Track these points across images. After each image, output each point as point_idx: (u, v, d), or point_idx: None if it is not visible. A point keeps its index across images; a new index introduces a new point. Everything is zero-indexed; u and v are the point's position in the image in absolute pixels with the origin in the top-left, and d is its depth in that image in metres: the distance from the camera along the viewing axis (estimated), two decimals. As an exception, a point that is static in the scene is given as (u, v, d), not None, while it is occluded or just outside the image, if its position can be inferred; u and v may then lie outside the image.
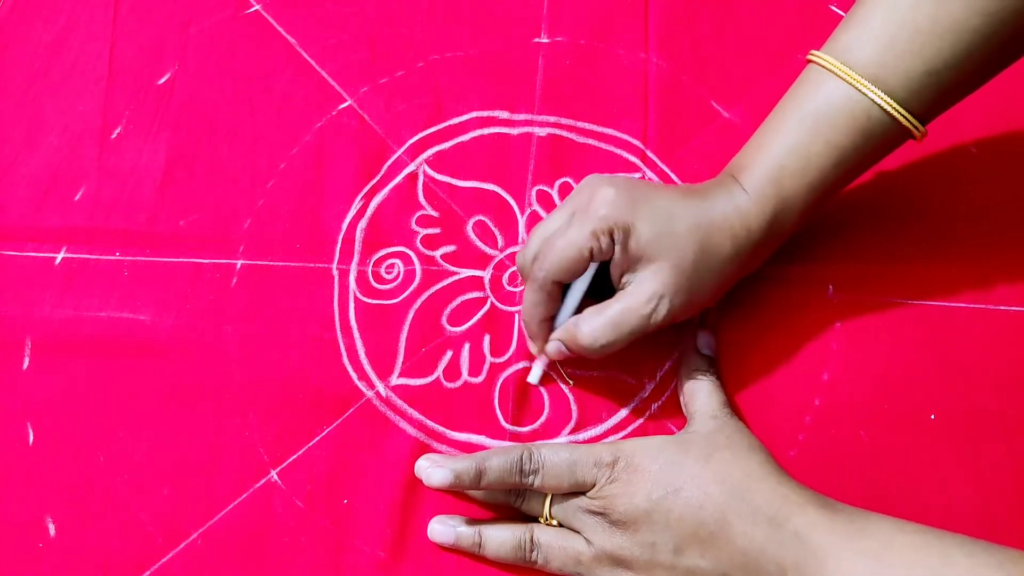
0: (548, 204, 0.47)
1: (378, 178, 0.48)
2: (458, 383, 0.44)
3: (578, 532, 0.38)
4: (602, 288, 0.41)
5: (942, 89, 0.38)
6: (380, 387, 0.44)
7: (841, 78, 0.38)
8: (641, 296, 0.39)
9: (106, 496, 0.42)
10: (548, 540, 0.38)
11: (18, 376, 0.44)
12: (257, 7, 0.53)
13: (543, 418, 0.43)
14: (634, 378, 0.43)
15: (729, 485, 0.36)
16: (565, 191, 0.48)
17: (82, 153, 0.49)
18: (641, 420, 0.43)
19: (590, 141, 0.49)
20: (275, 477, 0.42)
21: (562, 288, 0.41)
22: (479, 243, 0.47)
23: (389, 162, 0.49)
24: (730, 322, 0.44)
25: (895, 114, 0.38)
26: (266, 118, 0.50)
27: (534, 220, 0.47)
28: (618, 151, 0.49)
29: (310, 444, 0.42)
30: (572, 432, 0.42)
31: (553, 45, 0.52)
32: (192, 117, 0.50)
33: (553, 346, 0.41)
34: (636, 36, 0.51)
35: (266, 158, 0.49)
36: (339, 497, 0.41)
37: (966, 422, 0.42)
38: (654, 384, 0.43)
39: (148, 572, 0.40)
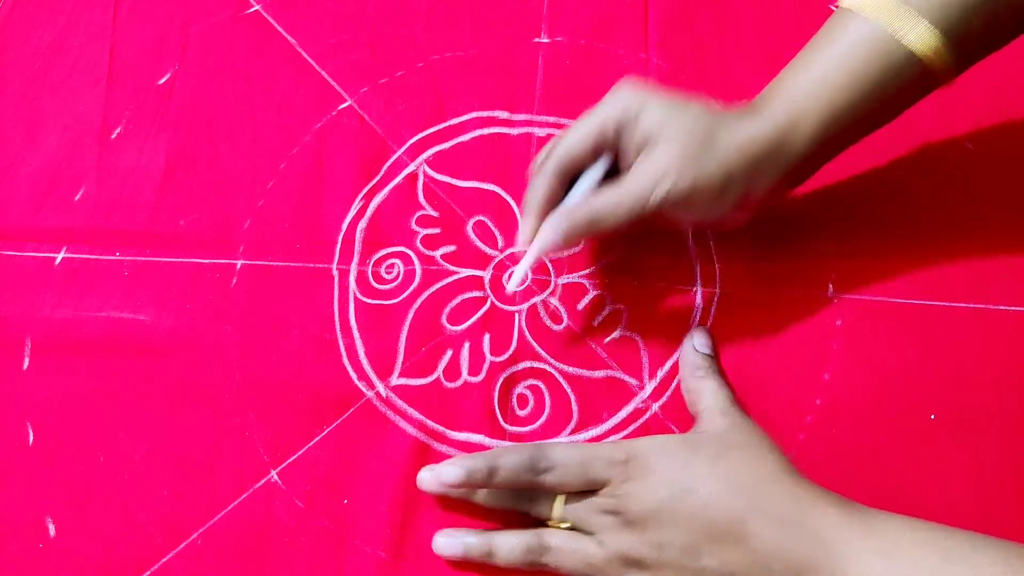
0: (548, 204, 0.47)
1: (378, 178, 0.48)
2: (458, 383, 0.44)
3: (590, 533, 0.38)
4: None
5: (972, 31, 0.37)
6: (380, 387, 0.44)
7: (865, 16, 0.38)
8: (642, 175, 0.38)
9: (106, 496, 0.42)
10: (559, 543, 0.38)
11: (18, 376, 0.44)
12: (257, 7, 0.54)
13: (543, 418, 0.43)
14: (634, 378, 0.43)
15: (743, 485, 0.35)
16: (565, 191, 0.48)
17: (82, 153, 0.49)
18: (642, 420, 0.43)
19: (590, 141, 0.49)
20: (275, 477, 0.42)
21: (567, 182, 0.41)
22: (479, 243, 0.47)
23: (389, 162, 0.49)
24: (730, 322, 0.44)
25: (917, 48, 0.37)
26: (266, 118, 0.50)
27: (534, 220, 0.47)
28: (618, 151, 0.49)
29: (310, 444, 0.42)
30: (572, 432, 0.42)
31: (553, 45, 0.52)
32: (192, 117, 0.50)
33: (547, 231, 0.40)
34: (636, 36, 0.51)
35: (266, 158, 0.49)
36: (339, 497, 0.41)
37: (966, 422, 0.42)
38: (655, 384, 0.43)
39: (148, 572, 0.40)
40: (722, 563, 0.35)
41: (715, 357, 0.43)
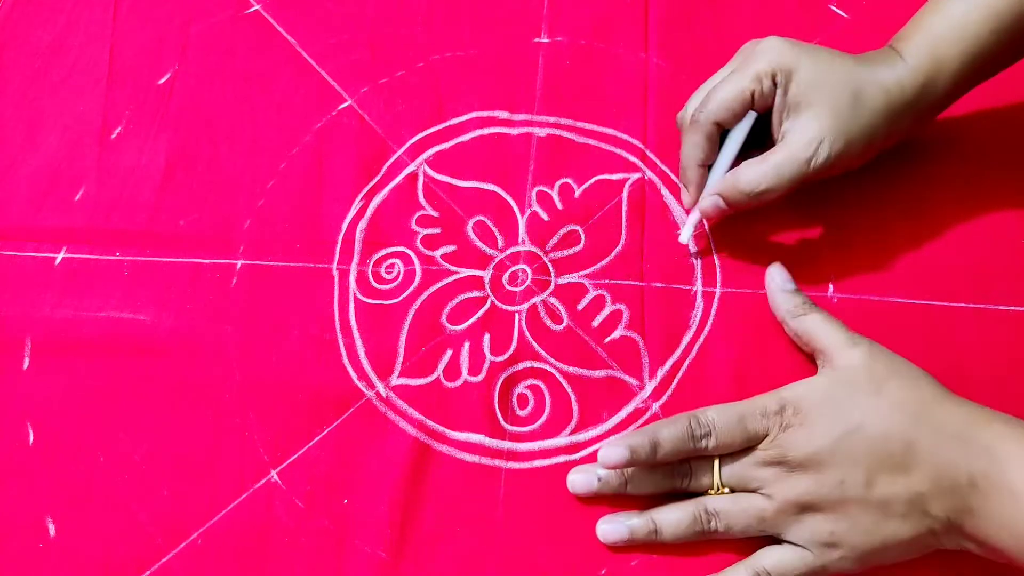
0: (548, 204, 0.47)
1: (378, 178, 0.48)
2: (458, 382, 0.43)
3: (752, 490, 0.38)
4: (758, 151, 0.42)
5: None
6: (380, 387, 0.44)
7: None
8: (801, 141, 0.40)
9: (106, 496, 0.42)
10: (724, 506, 0.38)
11: (18, 376, 0.44)
12: (257, 7, 0.53)
13: (543, 418, 0.43)
14: (634, 378, 0.43)
15: (909, 411, 0.36)
16: (565, 191, 0.48)
17: (82, 153, 0.49)
18: (642, 420, 0.42)
19: (590, 141, 0.49)
20: (275, 477, 0.42)
21: (720, 136, 0.43)
22: (479, 243, 0.47)
23: (389, 162, 0.49)
24: (730, 322, 0.44)
25: None
26: (266, 118, 0.50)
27: (534, 220, 0.47)
28: (618, 151, 0.49)
29: (310, 444, 0.42)
30: (573, 432, 0.42)
31: (553, 45, 0.52)
32: (192, 117, 0.50)
33: (710, 201, 0.42)
34: (636, 36, 0.51)
35: (266, 158, 0.49)
36: (339, 497, 0.41)
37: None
38: (655, 384, 0.43)
39: (148, 572, 0.40)
40: (905, 488, 0.35)
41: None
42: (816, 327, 0.41)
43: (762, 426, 0.37)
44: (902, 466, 0.35)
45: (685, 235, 0.44)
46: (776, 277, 0.43)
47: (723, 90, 0.42)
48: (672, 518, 0.38)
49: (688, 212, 0.44)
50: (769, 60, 0.41)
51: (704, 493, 0.39)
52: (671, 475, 0.39)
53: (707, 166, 0.43)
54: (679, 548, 0.39)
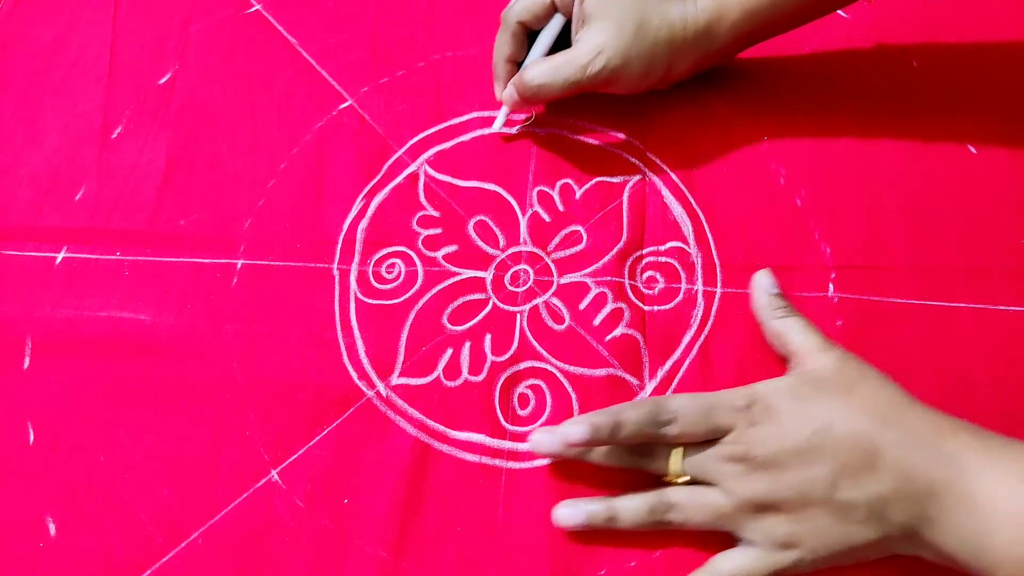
0: (549, 204, 0.47)
1: (379, 178, 0.48)
2: (458, 381, 0.44)
3: (712, 484, 0.38)
4: None
5: None
6: (380, 387, 0.44)
7: None
8: (582, 48, 0.44)
9: (106, 496, 0.41)
10: (683, 499, 0.38)
11: (18, 376, 0.44)
12: (257, 7, 0.54)
13: (543, 418, 0.43)
14: (635, 377, 0.43)
15: (878, 416, 0.36)
16: (566, 191, 0.48)
17: (82, 153, 0.49)
18: (642, 420, 0.43)
19: (591, 141, 0.49)
20: (275, 477, 0.42)
21: (528, 35, 0.47)
22: (480, 243, 0.47)
23: (390, 162, 0.49)
24: (730, 322, 0.44)
25: None
26: (266, 118, 0.50)
27: (536, 220, 0.47)
28: (618, 151, 0.49)
29: (310, 444, 0.42)
30: (573, 432, 0.42)
31: (553, 45, 0.52)
32: (192, 117, 0.50)
33: (507, 91, 0.47)
34: (636, 36, 0.51)
35: (266, 158, 0.49)
36: (340, 497, 0.41)
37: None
38: (655, 383, 0.43)
39: (148, 572, 0.40)
40: (867, 492, 0.35)
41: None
42: (792, 329, 0.41)
43: (729, 420, 0.37)
44: (866, 469, 0.35)
45: (496, 125, 0.48)
46: (762, 280, 0.43)
47: None
48: (630, 506, 0.39)
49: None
50: None
51: (665, 475, 0.39)
52: (632, 453, 0.39)
53: (516, 62, 0.47)
54: (676, 550, 0.39)
